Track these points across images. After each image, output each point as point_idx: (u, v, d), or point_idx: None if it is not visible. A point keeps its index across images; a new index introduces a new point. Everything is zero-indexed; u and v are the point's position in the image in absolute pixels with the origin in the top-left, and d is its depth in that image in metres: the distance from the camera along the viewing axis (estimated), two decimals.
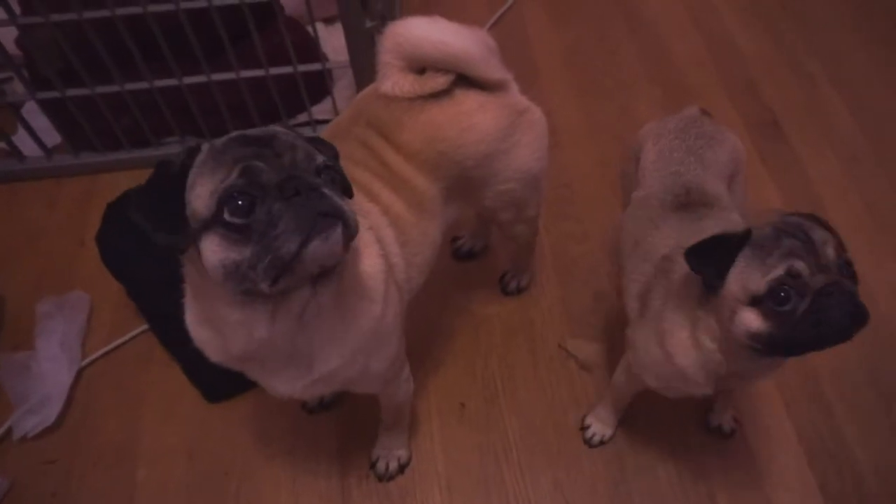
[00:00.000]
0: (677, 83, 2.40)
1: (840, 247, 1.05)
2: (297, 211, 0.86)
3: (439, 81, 1.24)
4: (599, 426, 1.59)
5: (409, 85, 1.24)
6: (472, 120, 1.28)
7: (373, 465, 1.57)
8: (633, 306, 1.35)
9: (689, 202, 1.31)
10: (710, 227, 1.24)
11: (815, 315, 1.00)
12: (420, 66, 1.25)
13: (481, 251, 1.95)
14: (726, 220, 1.27)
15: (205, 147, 0.91)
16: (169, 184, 0.89)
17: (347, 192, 1.01)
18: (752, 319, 1.04)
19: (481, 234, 1.93)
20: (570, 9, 2.69)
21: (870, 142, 2.20)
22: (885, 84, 2.38)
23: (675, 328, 1.20)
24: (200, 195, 0.87)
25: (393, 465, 1.56)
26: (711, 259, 1.08)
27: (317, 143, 1.00)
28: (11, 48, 1.97)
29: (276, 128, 0.96)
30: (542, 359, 1.75)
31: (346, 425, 1.64)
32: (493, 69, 1.30)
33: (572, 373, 1.72)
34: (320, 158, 0.93)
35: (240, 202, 0.85)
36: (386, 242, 1.20)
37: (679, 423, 1.63)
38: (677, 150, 1.39)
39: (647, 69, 2.46)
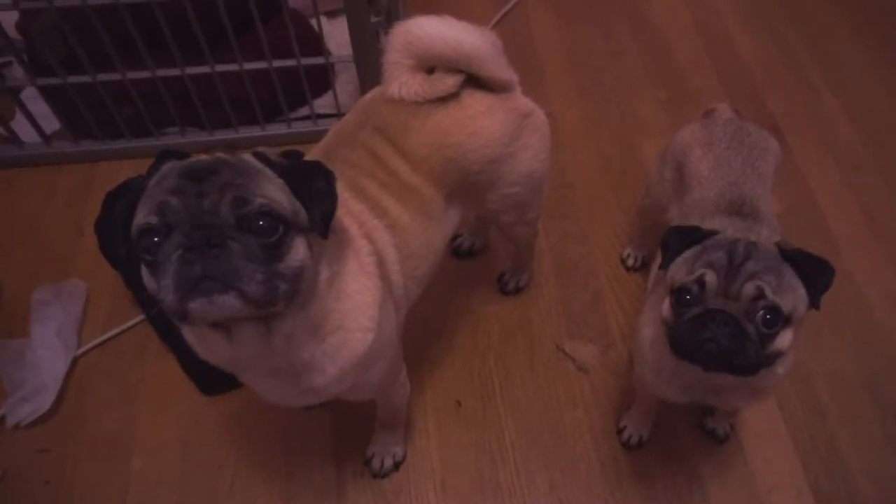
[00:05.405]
0: (680, 87, 2.40)
1: (766, 290, 1.02)
2: (181, 267, 0.81)
3: (449, 83, 1.22)
4: (633, 427, 1.59)
5: (418, 86, 1.21)
6: (478, 124, 1.26)
7: (368, 462, 1.57)
8: (649, 286, 1.43)
9: (741, 212, 1.33)
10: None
11: (691, 328, 1.06)
12: (430, 66, 1.23)
13: (481, 249, 1.95)
14: (767, 240, 1.25)
15: (162, 169, 0.90)
16: (124, 200, 0.89)
17: (326, 228, 0.93)
18: (666, 308, 1.12)
19: (481, 232, 1.93)
20: (575, 9, 2.68)
21: (870, 150, 2.21)
22: (886, 93, 2.38)
23: (654, 305, 1.26)
24: (135, 222, 0.87)
25: (388, 462, 1.56)
26: (670, 243, 1.16)
27: (308, 172, 0.94)
28: (12, 32, 1.95)
29: (227, 158, 0.91)
30: (540, 359, 1.75)
31: (342, 420, 1.64)
32: (503, 68, 1.29)
33: (569, 374, 1.72)
34: (255, 203, 0.85)
35: (155, 239, 0.84)
36: (387, 261, 1.18)
37: (674, 427, 1.63)
38: (735, 161, 1.41)
39: (650, 72, 2.46)
